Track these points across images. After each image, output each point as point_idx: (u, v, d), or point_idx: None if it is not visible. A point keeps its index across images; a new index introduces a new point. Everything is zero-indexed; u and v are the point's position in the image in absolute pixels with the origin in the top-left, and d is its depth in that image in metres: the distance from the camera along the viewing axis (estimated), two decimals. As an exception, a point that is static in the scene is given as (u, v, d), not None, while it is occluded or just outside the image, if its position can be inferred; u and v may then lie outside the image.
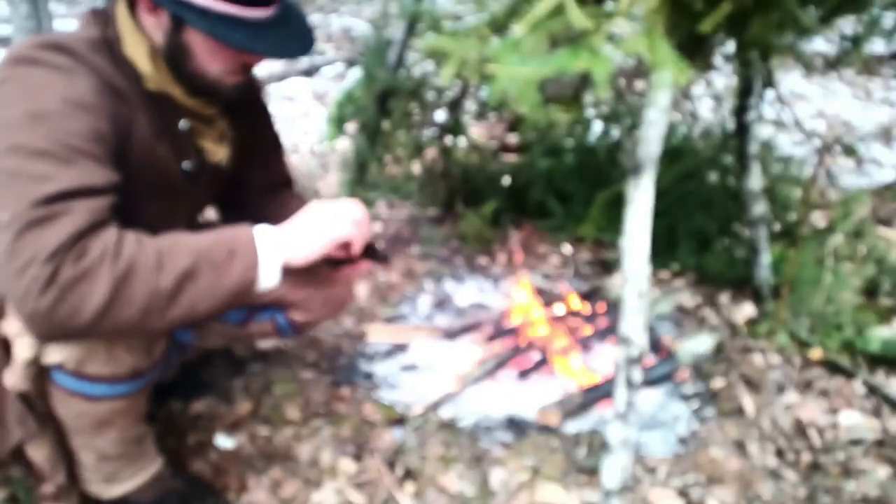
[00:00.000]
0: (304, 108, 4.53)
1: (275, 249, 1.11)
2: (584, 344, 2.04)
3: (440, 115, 2.74)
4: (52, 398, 1.19)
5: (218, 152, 1.35)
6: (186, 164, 1.28)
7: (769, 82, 2.28)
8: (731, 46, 1.79)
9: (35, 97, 1.02)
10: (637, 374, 1.29)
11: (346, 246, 1.25)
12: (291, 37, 1.19)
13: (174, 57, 1.16)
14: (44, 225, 0.93)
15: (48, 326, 0.94)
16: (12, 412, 1.18)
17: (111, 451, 1.30)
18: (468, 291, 2.45)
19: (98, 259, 0.95)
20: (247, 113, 1.44)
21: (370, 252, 1.36)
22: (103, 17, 1.17)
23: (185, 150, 1.28)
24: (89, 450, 1.28)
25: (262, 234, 1.11)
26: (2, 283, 0.96)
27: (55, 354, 1.13)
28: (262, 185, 1.56)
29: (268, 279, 1.11)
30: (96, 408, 1.21)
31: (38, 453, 1.23)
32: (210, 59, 1.15)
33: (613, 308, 2.18)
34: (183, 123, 1.26)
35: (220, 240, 1.07)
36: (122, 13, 1.17)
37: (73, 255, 0.94)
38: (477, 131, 3.53)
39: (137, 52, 1.15)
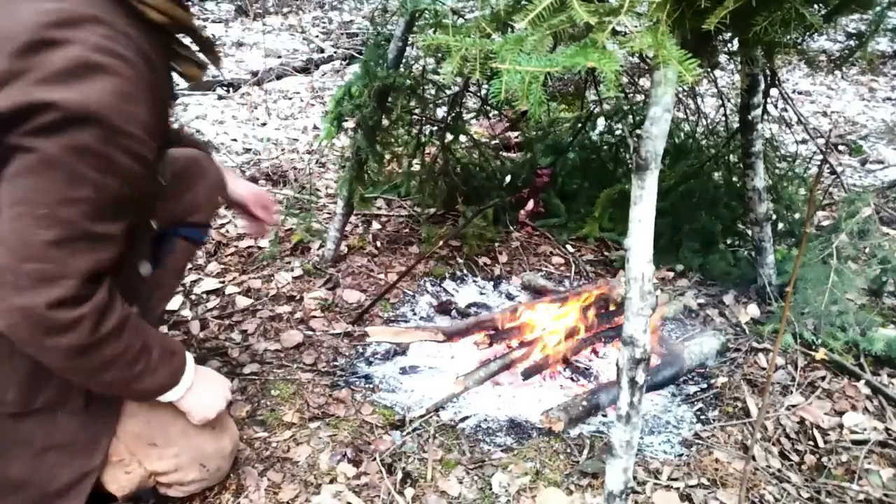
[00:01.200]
0: (302, 105, 4.51)
1: (186, 392, 1.26)
2: (588, 345, 2.02)
3: (440, 113, 2.71)
4: None
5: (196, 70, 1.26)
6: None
7: (774, 80, 2.26)
8: (735, 44, 1.77)
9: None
10: (641, 376, 1.27)
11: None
12: None
13: None
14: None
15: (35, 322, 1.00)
16: None
17: None
18: (468, 291, 2.43)
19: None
20: None
21: None
22: None
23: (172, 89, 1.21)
24: None
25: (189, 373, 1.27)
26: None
27: None
28: None
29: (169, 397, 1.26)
30: None
31: None
32: None
33: (617, 309, 2.15)
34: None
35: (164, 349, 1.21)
36: None
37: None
38: (478, 129, 3.51)
39: None
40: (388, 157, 2.50)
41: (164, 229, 1.52)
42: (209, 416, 1.32)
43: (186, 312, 2.14)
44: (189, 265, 2.15)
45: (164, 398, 1.24)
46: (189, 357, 1.28)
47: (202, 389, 1.30)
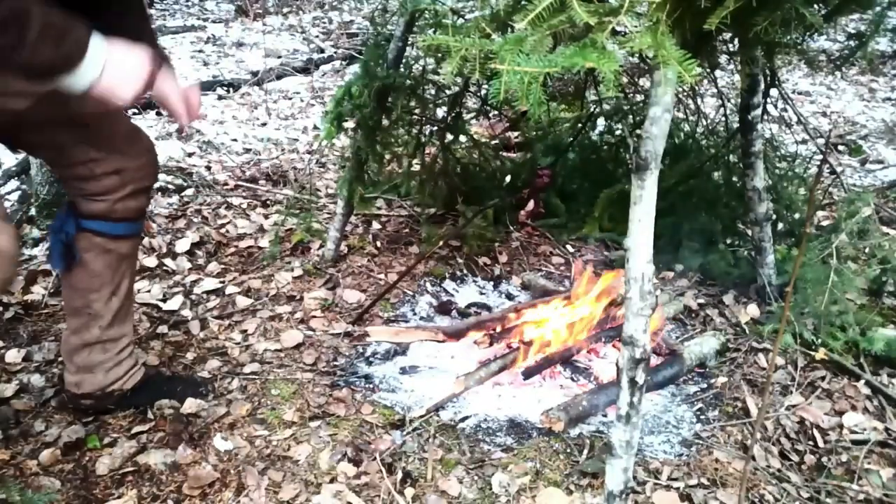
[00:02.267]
0: (302, 106, 4.51)
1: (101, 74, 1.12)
2: (588, 345, 2.02)
3: (440, 113, 2.72)
4: None
5: None
6: None
7: (773, 80, 2.26)
8: (735, 44, 1.77)
9: None
10: (641, 376, 1.27)
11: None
12: None
13: None
14: None
15: None
16: None
17: None
18: (468, 291, 2.43)
19: None
20: None
21: None
22: None
23: None
24: None
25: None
26: None
27: None
28: None
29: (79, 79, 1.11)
30: None
31: None
32: None
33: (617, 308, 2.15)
34: None
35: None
36: None
37: None
38: (478, 129, 3.51)
39: None
40: (388, 157, 2.50)
41: (66, 212, 1.46)
42: (125, 96, 1.17)
43: (186, 312, 2.14)
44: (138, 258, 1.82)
45: (74, 82, 1.11)
46: (101, 40, 1.12)
47: (121, 69, 1.15)
